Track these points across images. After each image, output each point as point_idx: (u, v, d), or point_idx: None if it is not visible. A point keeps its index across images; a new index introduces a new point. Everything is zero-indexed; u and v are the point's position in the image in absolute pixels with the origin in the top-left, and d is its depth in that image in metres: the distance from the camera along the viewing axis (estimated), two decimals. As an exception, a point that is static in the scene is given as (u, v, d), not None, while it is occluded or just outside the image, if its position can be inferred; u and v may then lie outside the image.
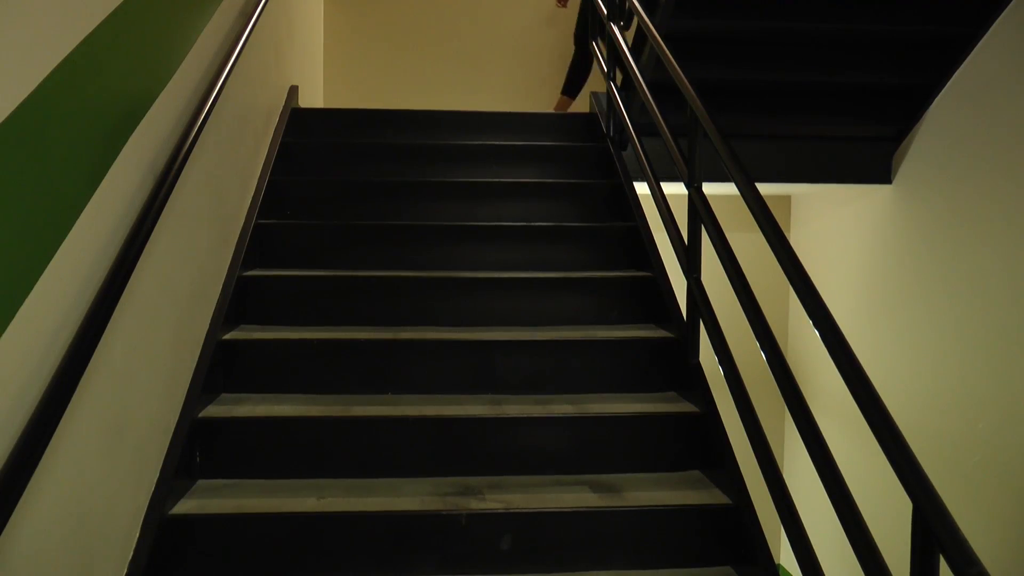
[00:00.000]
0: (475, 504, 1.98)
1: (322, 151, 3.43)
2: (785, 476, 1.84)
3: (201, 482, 2.11)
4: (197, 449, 2.12)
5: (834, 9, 3.03)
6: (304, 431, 2.17)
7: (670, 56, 2.50)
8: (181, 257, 2.11)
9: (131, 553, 1.75)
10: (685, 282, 2.38)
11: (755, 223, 1.87)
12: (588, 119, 3.80)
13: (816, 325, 1.58)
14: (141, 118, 1.80)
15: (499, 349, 2.45)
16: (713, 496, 2.05)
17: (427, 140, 3.53)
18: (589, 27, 4.03)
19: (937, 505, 1.17)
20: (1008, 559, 2.79)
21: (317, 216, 3.10)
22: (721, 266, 2.10)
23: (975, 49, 3.10)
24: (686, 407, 2.30)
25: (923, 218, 3.44)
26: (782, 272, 1.73)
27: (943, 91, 3.30)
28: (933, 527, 1.16)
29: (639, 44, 3.30)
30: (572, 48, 4.91)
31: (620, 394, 2.44)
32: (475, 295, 2.69)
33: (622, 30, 3.29)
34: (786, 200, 5.00)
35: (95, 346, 1.44)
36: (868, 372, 1.45)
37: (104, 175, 1.60)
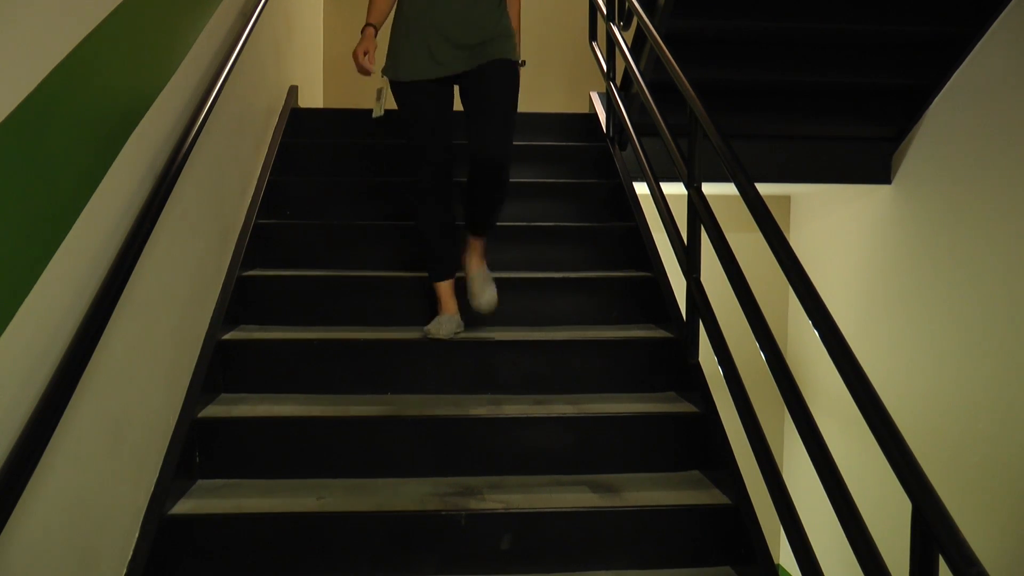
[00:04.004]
0: (475, 504, 1.98)
1: (322, 151, 3.43)
2: (785, 476, 1.84)
3: (201, 482, 2.11)
4: (197, 449, 2.12)
5: (834, 9, 3.03)
6: (304, 431, 2.17)
7: (670, 56, 2.50)
8: (181, 257, 2.11)
9: (130, 553, 1.75)
10: (685, 282, 2.39)
11: (755, 223, 1.87)
12: (588, 119, 3.80)
13: (816, 325, 1.57)
14: (141, 118, 1.80)
15: (499, 349, 2.45)
16: (712, 496, 2.05)
17: (427, 140, 3.53)
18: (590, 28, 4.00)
19: (936, 505, 1.17)
20: (1008, 559, 2.79)
21: (317, 216, 3.10)
22: (721, 266, 2.10)
23: (975, 49, 3.10)
24: (686, 407, 2.30)
25: (922, 218, 3.44)
26: (782, 272, 1.73)
27: (943, 91, 3.30)
28: (932, 527, 1.16)
29: (639, 44, 3.30)
30: (579, 47, 4.81)
31: (620, 394, 2.44)
32: (475, 295, 2.69)
33: (622, 30, 3.30)
34: (786, 200, 5.00)
35: (95, 346, 1.44)
36: (867, 372, 1.45)
37: (104, 175, 1.59)
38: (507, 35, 2.48)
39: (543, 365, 2.46)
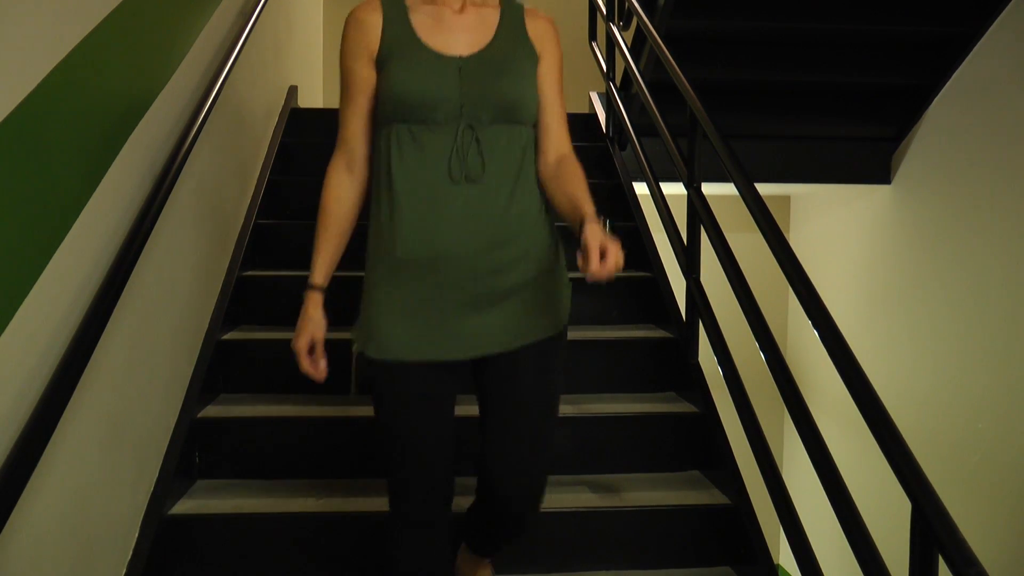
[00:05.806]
0: (474, 504, 1.98)
1: (321, 151, 3.42)
2: (784, 476, 1.84)
3: (200, 482, 2.11)
4: (196, 449, 2.12)
5: (834, 9, 3.03)
6: (304, 431, 2.17)
7: (670, 56, 2.50)
8: (180, 257, 2.11)
9: (130, 553, 1.75)
10: (685, 282, 2.38)
11: (755, 223, 1.87)
12: (587, 119, 3.80)
13: (815, 325, 1.57)
14: (140, 118, 1.80)
15: (499, 349, 2.45)
16: (712, 496, 2.05)
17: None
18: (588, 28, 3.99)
19: (936, 505, 1.17)
20: (1008, 559, 2.79)
21: (316, 216, 3.09)
22: (721, 266, 2.10)
23: (974, 49, 3.10)
24: (685, 407, 2.30)
25: (922, 218, 3.44)
26: (781, 272, 1.73)
27: (942, 91, 3.30)
28: (932, 527, 1.16)
29: (639, 44, 3.30)
30: (579, 47, 4.84)
31: (619, 394, 2.44)
32: (475, 295, 2.68)
33: (621, 30, 3.29)
34: (785, 200, 5.00)
35: (94, 346, 1.44)
36: (867, 372, 1.45)
37: (103, 175, 1.59)
38: (557, 269, 1.49)
39: (543, 365, 2.46)
